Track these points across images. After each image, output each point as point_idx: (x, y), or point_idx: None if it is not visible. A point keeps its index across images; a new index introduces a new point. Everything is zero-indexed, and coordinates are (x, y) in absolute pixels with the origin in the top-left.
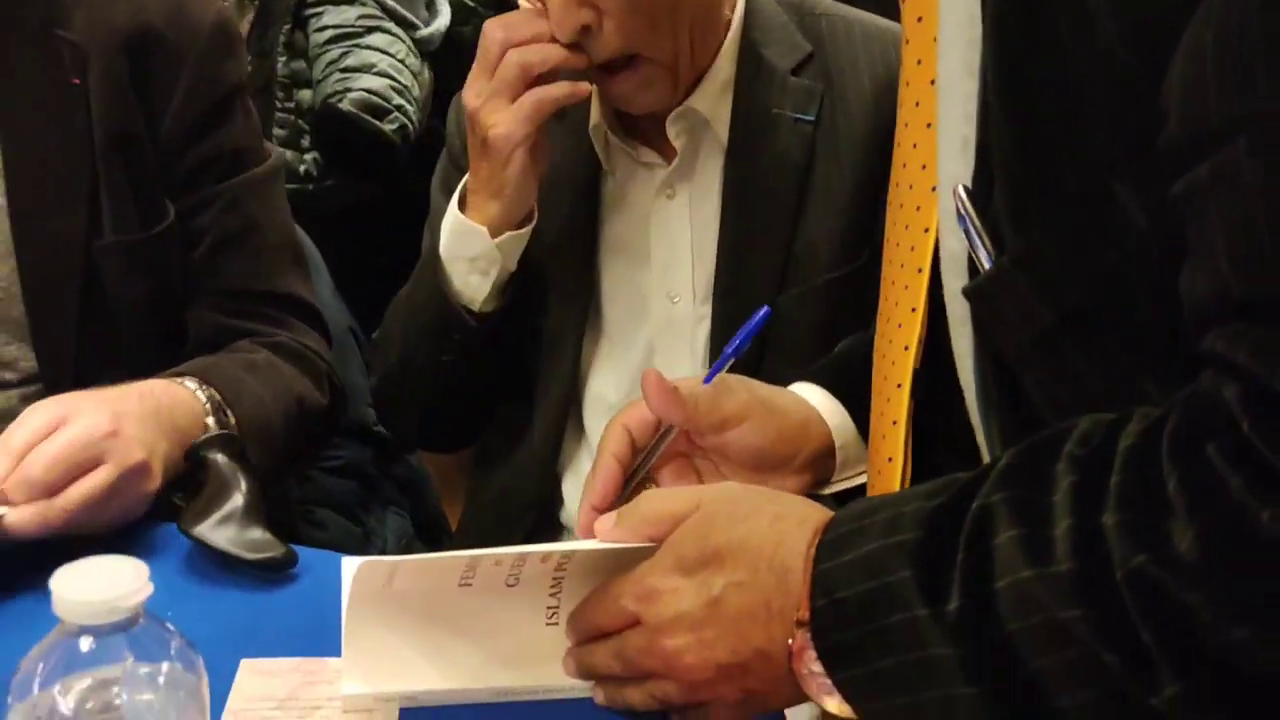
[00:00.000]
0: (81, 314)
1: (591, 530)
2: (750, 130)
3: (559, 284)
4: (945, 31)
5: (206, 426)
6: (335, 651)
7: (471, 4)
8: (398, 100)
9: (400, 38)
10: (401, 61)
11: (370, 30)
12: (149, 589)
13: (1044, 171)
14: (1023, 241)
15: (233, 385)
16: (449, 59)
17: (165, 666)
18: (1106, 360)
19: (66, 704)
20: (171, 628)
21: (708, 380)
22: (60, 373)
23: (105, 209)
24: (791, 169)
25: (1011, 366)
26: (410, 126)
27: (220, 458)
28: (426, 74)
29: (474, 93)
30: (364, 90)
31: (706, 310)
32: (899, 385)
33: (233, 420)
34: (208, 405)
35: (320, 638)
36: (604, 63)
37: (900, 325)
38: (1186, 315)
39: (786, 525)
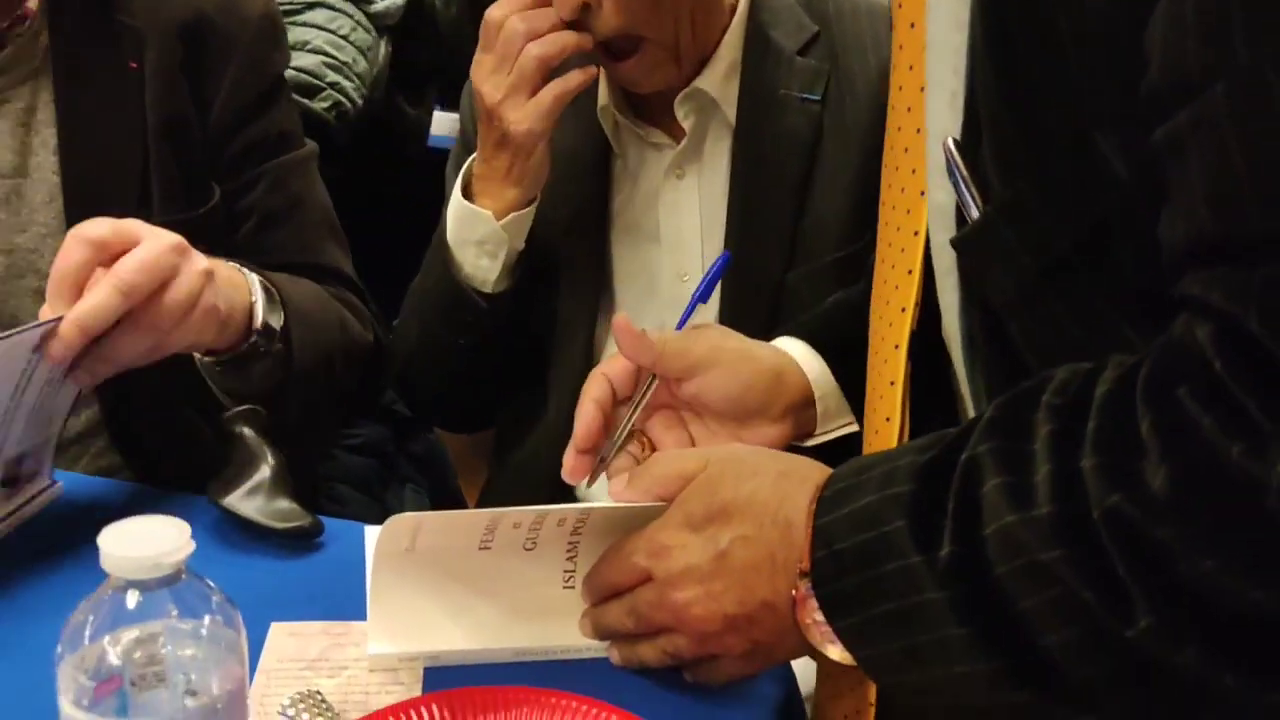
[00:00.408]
0: None
1: (577, 471)
2: (758, 110)
3: (571, 265)
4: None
5: (252, 304)
6: (360, 616)
7: None
8: (332, 78)
9: (345, 12)
10: (344, 37)
11: (310, 6)
12: (191, 546)
13: (1029, 121)
14: (1009, 191)
15: (280, 283)
16: (416, 31)
17: (207, 621)
18: (1089, 308)
19: (115, 655)
20: (212, 584)
21: (679, 327)
22: (125, 415)
23: (154, 190)
24: (799, 148)
25: (997, 314)
26: (348, 104)
27: (247, 431)
28: (382, 49)
29: (492, 86)
30: (295, 69)
31: (716, 288)
32: (896, 346)
33: (279, 299)
34: (255, 283)
35: (345, 603)
36: (608, 45)
37: (897, 287)
38: (1164, 261)
39: (789, 482)
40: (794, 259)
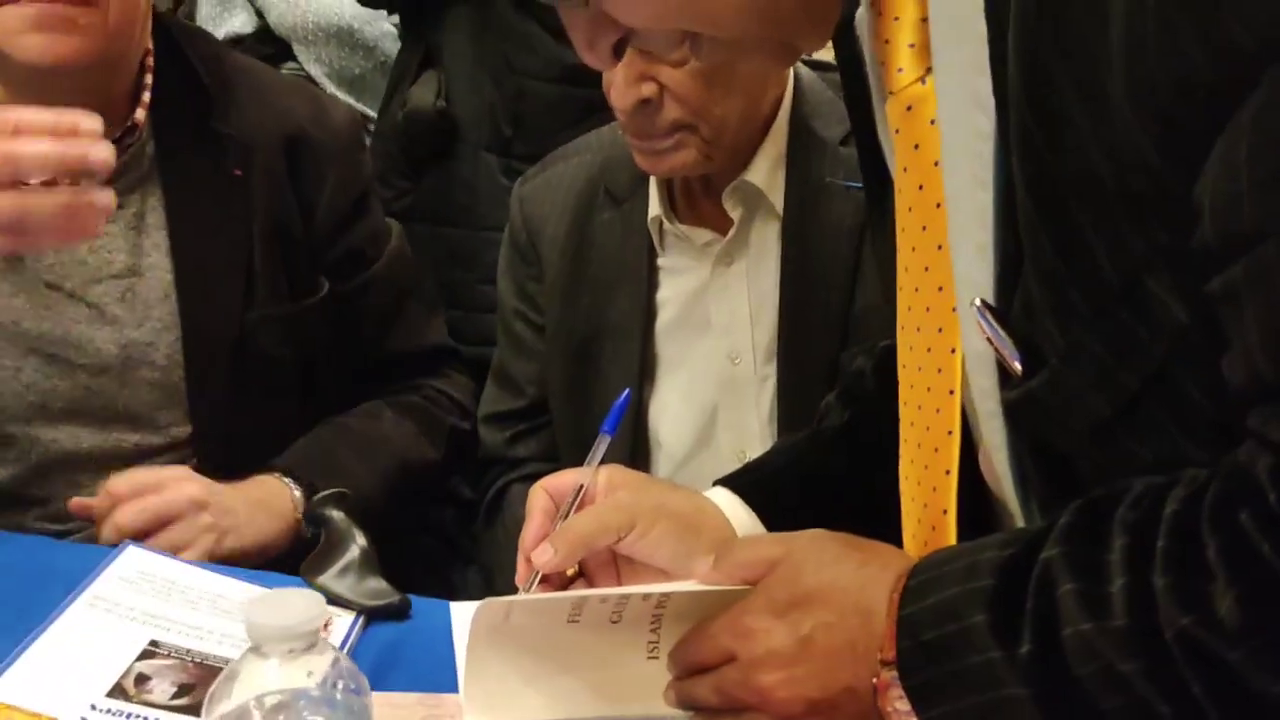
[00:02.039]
0: (233, 380)
1: (523, 575)
2: (804, 199)
3: (615, 361)
4: (950, 151)
5: (297, 520)
6: (449, 687)
7: None
8: None
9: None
10: None
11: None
12: (326, 615)
13: (1083, 270)
14: (1069, 341)
15: (326, 469)
16: None
17: (339, 687)
18: (1160, 440)
19: (258, 717)
20: (343, 654)
21: (588, 462)
22: (212, 435)
23: (259, 285)
24: (846, 234)
25: (1061, 454)
26: None
27: (336, 514)
28: None
29: None
30: None
31: (770, 370)
32: (944, 511)
33: (331, 494)
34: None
35: (435, 675)
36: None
37: (937, 450)
38: (1230, 397)
39: (870, 570)
40: (847, 340)
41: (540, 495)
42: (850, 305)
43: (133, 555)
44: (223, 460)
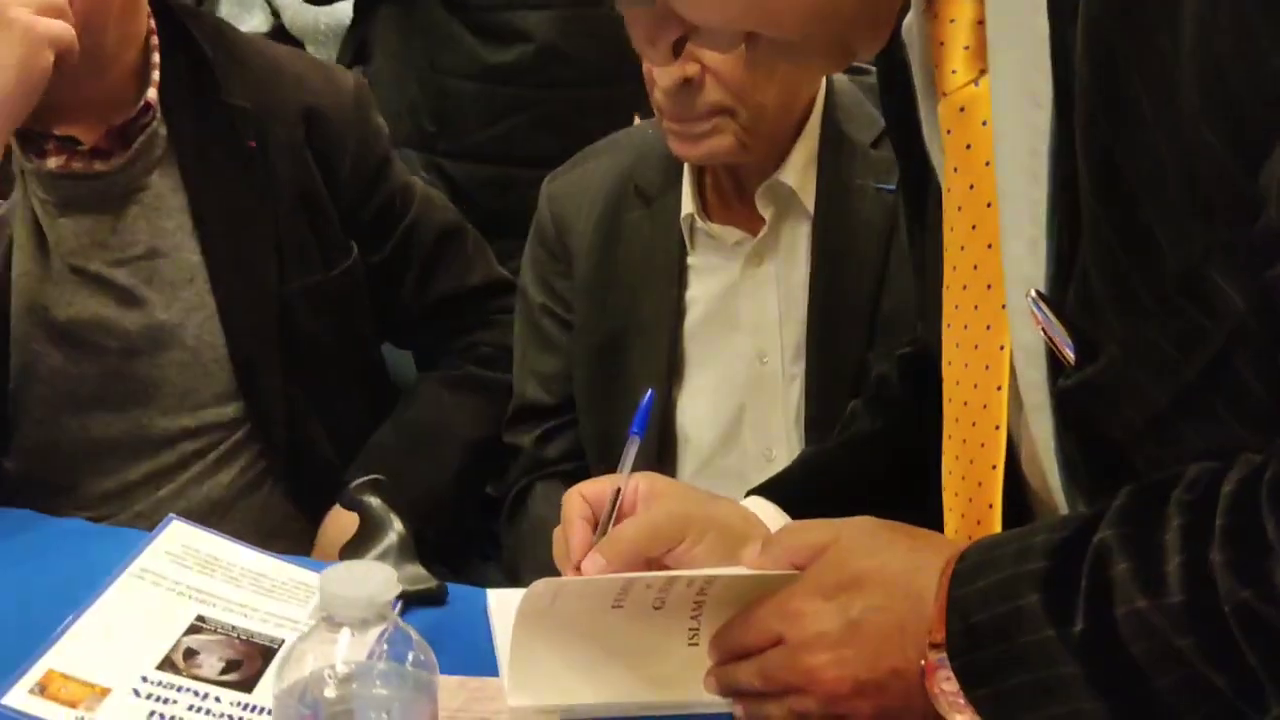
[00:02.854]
0: (284, 361)
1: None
2: (835, 200)
3: (645, 358)
4: (1003, 149)
5: None
6: (487, 671)
7: None
8: None
9: None
10: None
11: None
12: (398, 588)
13: (1146, 261)
14: (1130, 328)
15: (393, 484)
16: None
17: (409, 660)
18: (1216, 428)
19: (322, 687)
20: (413, 629)
21: (621, 468)
22: (269, 416)
23: (289, 257)
24: (876, 235)
25: (1113, 444)
26: None
27: (374, 500)
28: None
29: None
30: None
31: (797, 369)
32: (990, 505)
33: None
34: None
35: (472, 659)
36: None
37: (984, 445)
38: None
39: (921, 555)
40: (874, 340)
41: (577, 502)
42: (878, 306)
43: (177, 530)
44: (278, 445)
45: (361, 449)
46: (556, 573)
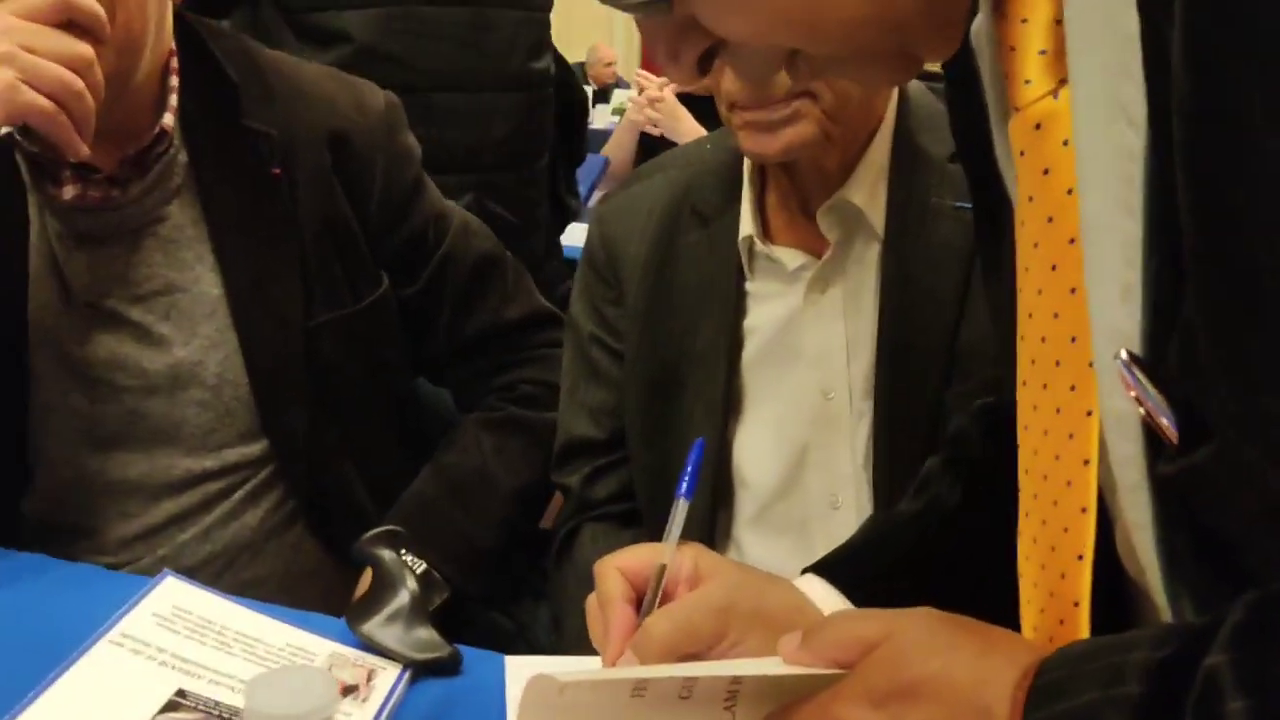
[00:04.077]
0: (310, 398)
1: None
2: (908, 220)
3: (700, 393)
4: (1088, 175)
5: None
6: None
7: None
8: None
9: None
10: None
11: None
12: (337, 703)
13: (1262, 318)
14: (1243, 404)
15: (437, 533)
16: None
17: None
18: None
19: None
20: None
21: (667, 535)
22: (292, 456)
23: (317, 290)
24: (954, 259)
25: (1226, 538)
26: None
27: (386, 554)
28: None
29: None
30: None
31: (866, 407)
32: (1075, 603)
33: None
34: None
35: None
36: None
37: (1067, 530)
38: None
39: (991, 663)
40: (951, 377)
41: (616, 581)
42: (956, 339)
43: (170, 588)
44: (306, 484)
45: (395, 490)
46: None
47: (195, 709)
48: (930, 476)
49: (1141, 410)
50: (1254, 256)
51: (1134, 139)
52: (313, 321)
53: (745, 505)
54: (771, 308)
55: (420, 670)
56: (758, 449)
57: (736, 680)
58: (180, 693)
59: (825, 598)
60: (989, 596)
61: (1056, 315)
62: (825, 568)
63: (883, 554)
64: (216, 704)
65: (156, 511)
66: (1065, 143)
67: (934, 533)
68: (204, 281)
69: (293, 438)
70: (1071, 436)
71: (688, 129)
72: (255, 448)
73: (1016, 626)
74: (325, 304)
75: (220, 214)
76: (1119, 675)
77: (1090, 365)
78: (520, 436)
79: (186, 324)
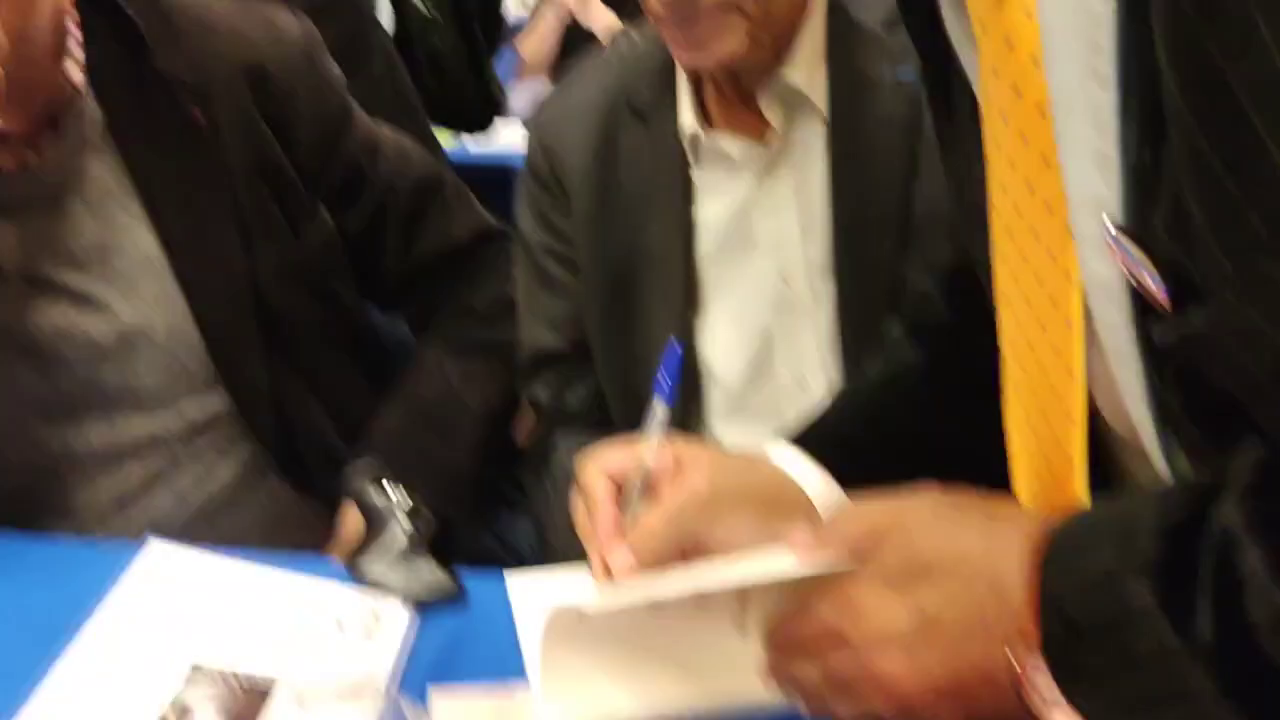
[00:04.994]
0: (265, 344)
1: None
2: (850, 95)
3: (657, 290)
4: (1055, 43)
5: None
6: (513, 671)
7: None
8: None
9: None
10: None
11: None
12: (367, 662)
13: (1258, 184)
14: (1242, 267)
15: (415, 465)
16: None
17: None
18: None
19: None
20: (394, 694)
21: (644, 426)
22: (257, 408)
23: (256, 234)
24: (899, 131)
25: (1223, 396)
26: None
27: (374, 493)
28: None
29: None
30: None
31: (826, 288)
32: (1070, 463)
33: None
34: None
35: (500, 660)
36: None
37: (1057, 395)
38: None
39: (999, 532)
40: (907, 248)
41: (599, 480)
42: (909, 210)
43: (158, 552)
44: (273, 432)
45: (366, 427)
46: None
47: (213, 682)
48: (896, 343)
49: (1129, 277)
50: (1247, 124)
51: (1099, 5)
52: (256, 266)
53: (716, 398)
54: (721, 198)
55: (427, 605)
56: (722, 341)
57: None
58: (196, 667)
59: (800, 468)
60: (969, 460)
61: (1030, 186)
62: (799, 438)
63: (855, 423)
64: (234, 674)
65: (125, 477)
66: (1029, 14)
67: (903, 399)
68: (138, 239)
69: (253, 387)
70: (1054, 304)
71: (597, 13)
72: (216, 402)
73: (1000, 488)
74: (267, 247)
75: (144, 167)
76: (1131, 538)
77: (1068, 232)
78: (484, 357)
79: (126, 285)
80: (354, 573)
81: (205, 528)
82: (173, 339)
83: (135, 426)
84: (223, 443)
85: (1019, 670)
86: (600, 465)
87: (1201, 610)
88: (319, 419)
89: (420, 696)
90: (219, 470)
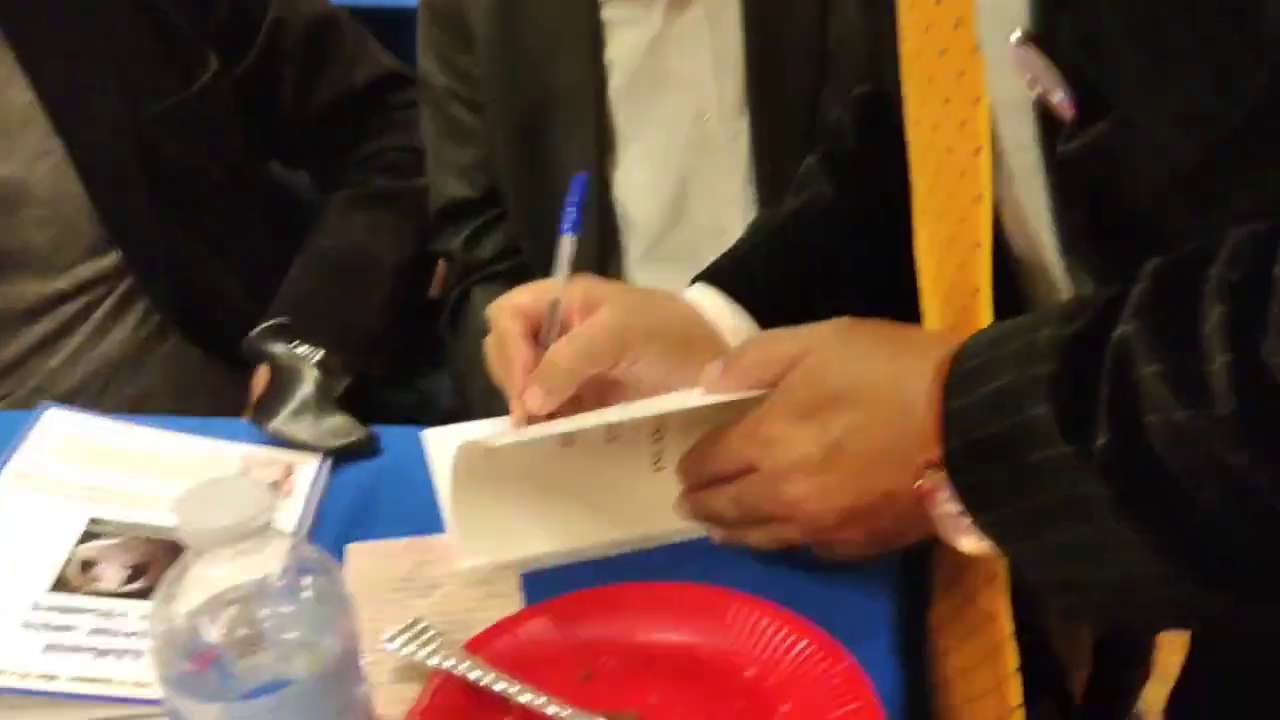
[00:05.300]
0: (155, 199)
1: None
2: None
3: (570, 135)
4: None
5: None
6: (432, 526)
7: None
8: None
9: None
10: None
11: None
12: (273, 507)
13: None
14: (1148, 73)
15: (322, 321)
16: None
17: (306, 580)
18: (1263, 185)
19: (208, 628)
20: (301, 538)
21: (555, 271)
22: (153, 269)
23: (137, 80)
24: None
25: (1128, 211)
26: None
27: (279, 348)
28: None
29: None
30: None
31: (742, 124)
32: (976, 289)
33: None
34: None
35: (414, 514)
36: None
37: (963, 219)
38: None
39: (907, 359)
40: (824, 78)
41: (511, 320)
42: (824, 36)
43: (54, 419)
44: (170, 292)
45: (275, 286)
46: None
47: (113, 535)
48: (809, 173)
49: (1035, 91)
50: None
51: None
52: (141, 115)
53: (633, 244)
54: (632, 36)
55: (339, 456)
56: (638, 184)
57: (661, 416)
58: (95, 521)
59: (714, 305)
60: (881, 290)
61: (938, 1)
62: (712, 275)
63: (766, 256)
64: (134, 525)
65: (16, 343)
66: None
67: (815, 229)
68: (11, 89)
69: (146, 245)
70: (962, 125)
71: None
72: (107, 261)
73: (913, 317)
74: (152, 95)
75: (12, 13)
76: (1031, 354)
77: (976, 51)
78: (392, 209)
79: (1, 138)
80: (261, 427)
81: (104, 392)
82: (57, 195)
83: (25, 289)
84: (116, 305)
85: (924, 491)
86: (511, 305)
87: (1098, 420)
88: (223, 280)
89: (335, 552)
90: (114, 332)
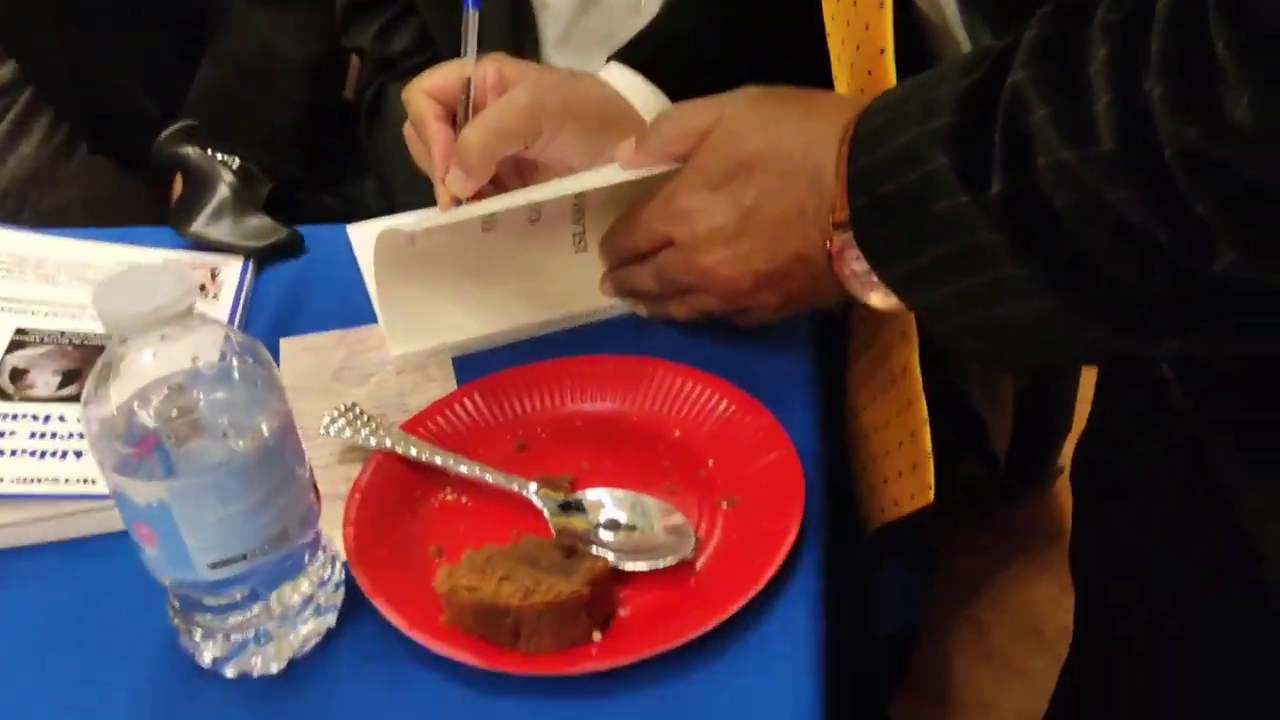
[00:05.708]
0: (54, 11)
1: (450, 201)
2: None
3: None
4: None
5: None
6: (365, 319)
7: None
8: None
9: None
10: None
11: None
12: (194, 290)
13: None
14: None
15: (231, 127)
16: None
17: (233, 362)
18: None
19: (144, 414)
20: (226, 324)
21: (465, 52)
22: (54, 79)
23: None
24: None
25: None
26: None
27: (192, 151)
28: None
29: None
30: None
31: None
32: (881, 50)
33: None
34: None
35: (346, 308)
36: None
37: None
38: None
39: (815, 124)
40: None
41: (425, 103)
42: None
43: None
44: (74, 100)
45: (183, 91)
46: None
47: (41, 343)
48: None
49: None
50: None
51: None
52: None
53: (548, 27)
54: None
55: (263, 256)
56: None
57: (580, 195)
58: (20, 331)
59: (630, 84)
60: (798, 60)
61: None
62: (626, 53)
63: (681, 30)
64: (62, 333)
65: None
66: None
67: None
68: None
69: (43, 53)
70: None
71: None
72: (4, 71)
73: (826, 86)
74: None
75: None
76: (932, 109)
77: None
78: (296, 5)
79: None
80: (180, 231)
81: (19, 209)
82: None
83: None
84: (19, 118)
85: (834, 251)
86: (424, 88)
87: (992, 167)
88: (127, 86)
89: (269, 347)
90: (21, 147)
